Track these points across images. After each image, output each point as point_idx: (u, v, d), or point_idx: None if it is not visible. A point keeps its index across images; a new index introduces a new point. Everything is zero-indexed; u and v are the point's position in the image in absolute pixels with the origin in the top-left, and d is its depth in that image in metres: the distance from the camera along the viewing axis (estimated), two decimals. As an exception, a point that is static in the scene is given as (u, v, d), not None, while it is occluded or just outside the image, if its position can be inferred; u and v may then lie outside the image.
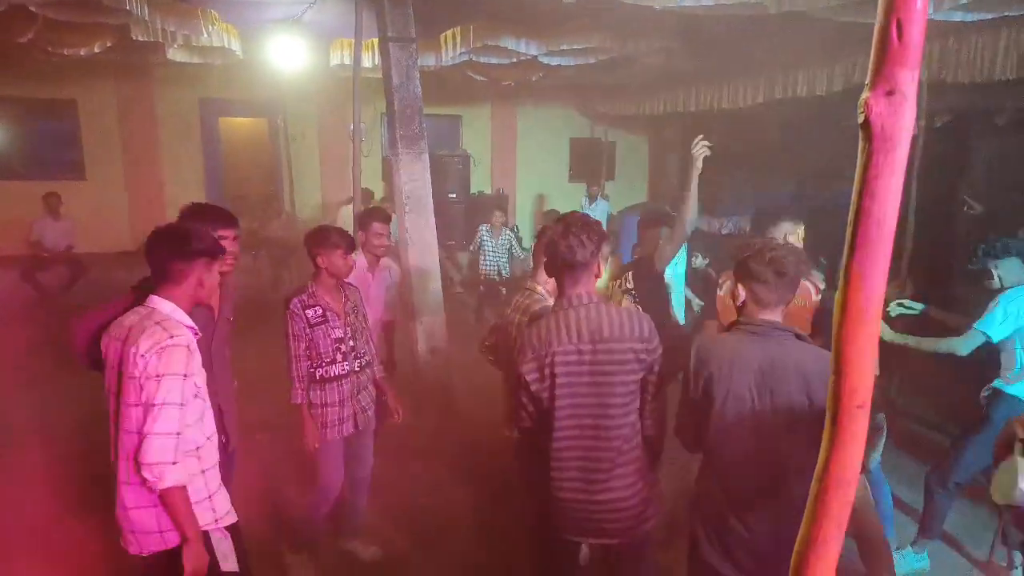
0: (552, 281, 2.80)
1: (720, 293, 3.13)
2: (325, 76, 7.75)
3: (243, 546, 2.22)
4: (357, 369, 3.07)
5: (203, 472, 2.09)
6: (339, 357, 2.99)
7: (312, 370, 2.96)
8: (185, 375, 1.95)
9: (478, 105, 10.79)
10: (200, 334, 2.14)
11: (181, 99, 9.23)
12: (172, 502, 1.95)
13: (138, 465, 1.91)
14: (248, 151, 10.79)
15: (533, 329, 2.13)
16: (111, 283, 8.03)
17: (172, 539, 2.02)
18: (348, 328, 3.03)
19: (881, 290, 0.73)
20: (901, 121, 0.68)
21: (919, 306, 3.51)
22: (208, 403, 2.16)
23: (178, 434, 1.94)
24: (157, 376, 1.91)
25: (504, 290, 7.40)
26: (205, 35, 5.70)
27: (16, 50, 6.46)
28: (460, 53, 6.59)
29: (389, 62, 4.55)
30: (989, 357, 3.27)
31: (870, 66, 0.69)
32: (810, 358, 1.94)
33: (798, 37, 6.03)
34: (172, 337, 1.95)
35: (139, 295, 2.20)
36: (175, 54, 6.56)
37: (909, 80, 0.67)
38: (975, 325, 3.15)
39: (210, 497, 2.09)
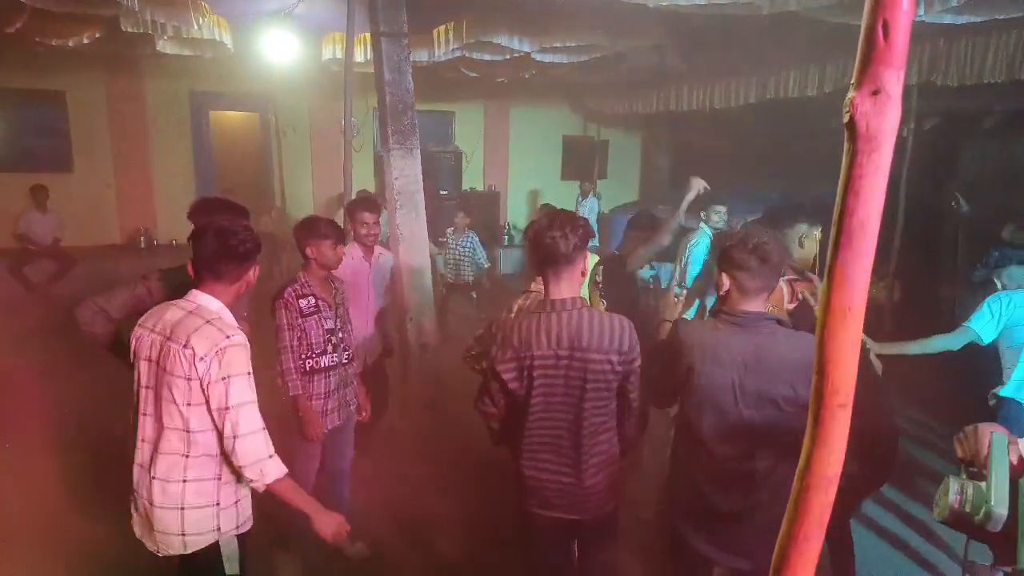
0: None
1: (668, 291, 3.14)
2: (317, 70, 7.71)
3: (245, 547, 2.19)
4: (345, 361, 3.09)
5: (237, 480, 2.03)
6: (329, 348, 3.00)
7: (301, 361, 2.94)
8: (248, 373, 1.94)
9: (471, 102, 10.76)
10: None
11: (171, 92, 9.15)
12: (281, 493, 1.97)
13: (233, 468, 1.93)
14: (239, 145, 10.71)
15: (514, 329, 2.12)
16: (99, 276, 8.01)
17: (192, 543, 2.00)
18: (338, 320, 3.05)
19: (864, 289, 0.74)
20: (886, 121, 0.68)
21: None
22: None
23: (263, 429, 1.94)
24: (224, 379, 1.88)
25: (475, 295, 7.22)
26: (196, 27, 5.65)
27: (4, 40, 6.38)
28: (453, 49, 6.57)
29: (381, 57, 4.53)
30: (988, 364, 3.29)
31: (856, 66, 0.69)
32: (794, 346, 1.95)
33: (790, 37, 6.06)
34: (229, 337, 1.92)
35: (173, 286, 2.16)
36: (165, 46, 6.51)
37: (894, 80, 0.67)
38: (966, 322, 3.19)
39: (236, 503, 2.05)
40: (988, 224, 5.46)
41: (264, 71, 7.64)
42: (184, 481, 1.95)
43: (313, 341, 2.94)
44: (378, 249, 3.93)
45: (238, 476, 2.01)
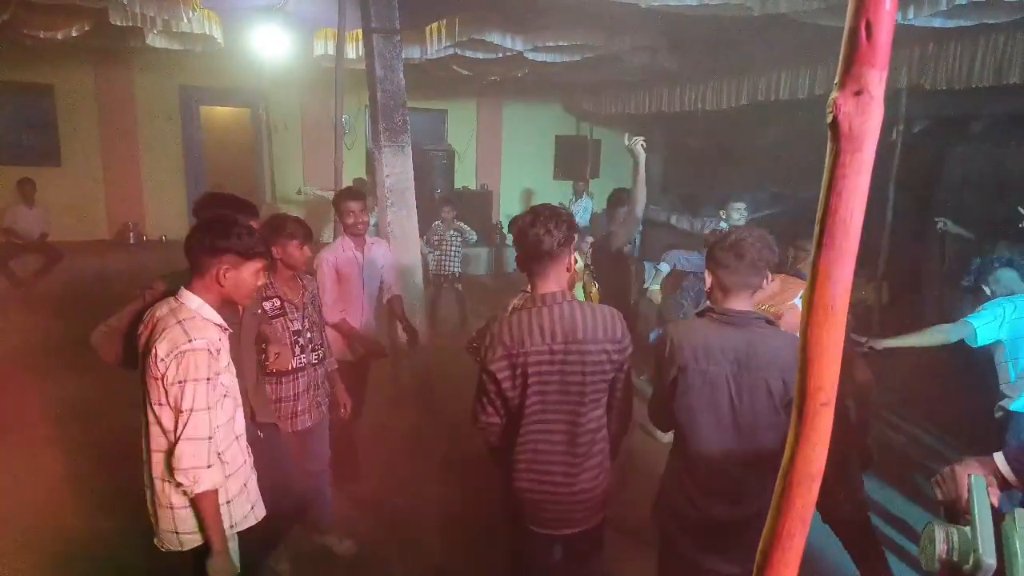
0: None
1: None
2: (308, 66, 7.67)
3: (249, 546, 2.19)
4: (315, 362, 3.04)
5: (225, 477, 2.02)
6: (297, 350, 2.94)
7: (267, 363, 2.89)
8: (208, 379, 1.89)
9: (464, 100, 10.75)
10: (230, 330, 2.07)
11: (161, 86, 9.08)
12: (203, 507, 1.93)
13: (171, 469, 1.88)
14: (229, 141, 10.65)
15: (505, 326, 2.06)
16: (86, 272, 7.95)
17: (188, 541, 2.00)
18: (306, 320, 2.99)
19: (847, 288, 0.74)
20: (869, 121, 0.69)
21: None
22: (239, 402, 2.11)
23: (209, 438, 1.90)
24: (180, 382, 1.86)
25: (459, 286, 7.16)
26: (185, 21, 5.62)
27: (-9, 32, 6.33)
28: (445, 46, 6.57)
29: (372, 53, 4.52)
30: (989, 370, 3.26)
31: (839, 66, 0.70)
32: (785, 343, 1.95)
33: (781, 40, 6.09)
34: (191, 341, 1.87)
35: (171, 285, 2.14)
36: (155, 40, 6.46)
37: (877, 80, 0.68)
38: (967, 317, 3.15)
39: (228, 503, 2.04)
40: (977, 228, 5.50)
41: (255, 66, 7.61)
42: (167, 481, 1.95)
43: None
44: (370, 239, 3.88)
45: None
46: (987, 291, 3.33)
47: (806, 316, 0.77)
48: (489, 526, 3.13)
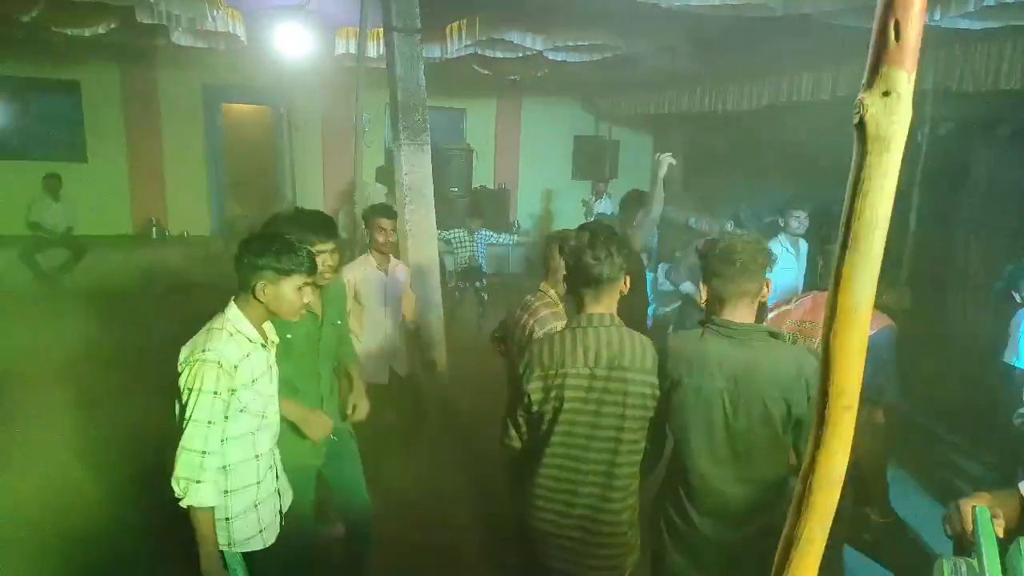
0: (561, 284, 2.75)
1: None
2: (330, 65, 7.72)
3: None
4: None
5: (225, 493, 2.02)
6: None
7: None
8: (215, 392, 1.89)
9: (483, 99, 10.76)
10: (266, 344, 2.09)
11: (184, 83, 9.19)
12: (194, 521, 1.91)
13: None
14: (250, 138, 10.77)
15: (544, 345, 1.97)
16: (111, 266, 8.08)
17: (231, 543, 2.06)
18: None
19: (871, 292, 0.74)
20: (896, 122, 0.68)
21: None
22: (269, 419, 2.09)
23: (204, 452, 1.88)
24: (188, 390, 1.89)
25: (482, 285, 7.19)
26: (210, 19, 5.68)
27: (20, 29, 6.43)
28: (465, 45, 6.58)
29: (393, 52, 4.54)
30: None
31: (867, 66, 0.69)
32: (788, 359, 1.87)
33: (804, 40, 6.02)
34: (205, 352, 1.90)
35: None
36: (180, 38, 6.53)
37: (905, 81, 0.67)
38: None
39: (227, 519, 2.03)
40: (1001, 232, 5.41)
41: (277, 65, 7.67)
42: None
43: None
44: (393, 260, 3.86)
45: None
46: (1017, 298, 3.27)
47: (829, 319, 0.76)
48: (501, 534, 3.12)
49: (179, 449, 1.88)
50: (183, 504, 1.89)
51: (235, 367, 1.94)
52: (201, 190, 9.68)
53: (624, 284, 2.04)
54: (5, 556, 3.14)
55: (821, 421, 0.79)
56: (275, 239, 2.06)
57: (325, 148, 10.04)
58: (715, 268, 1.93)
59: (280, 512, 2.23)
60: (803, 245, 4.85)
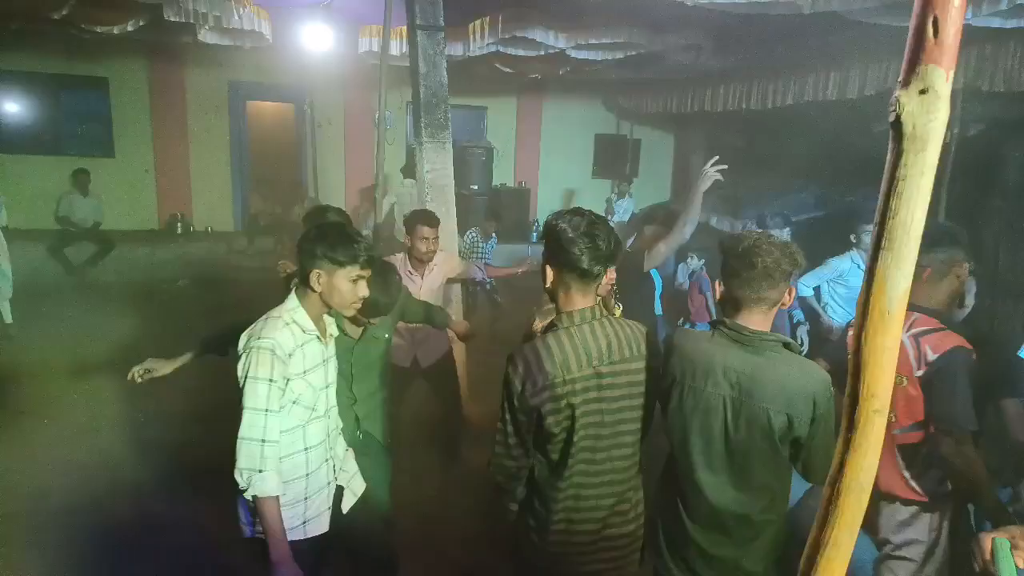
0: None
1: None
2: (353, 62, 7.78)
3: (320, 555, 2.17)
4: None
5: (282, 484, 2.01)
6: None
7: None
8: (271, 380, 1.88)
9: (504, 97, 10.77)
10: (321, 337, 2.09)
11: (211, 81, 9.32)
12: (260, 512, 1.90)
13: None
14: (274, 135, 10.89)
15: (542, 351, 1.76)
16: (137, 260, 8.22)
17: (247, 532, 2.06)
18: None
19: (906, 293, 0.72)
20: (934, 121, 0.67)
21: None
22: (321, 412, 2.09)
23: (263, 441, 1.87)
24: (245, 377, 1.89)
25: (496, 293, 7.13)
26: (236, 17, 5.76)
27: (50, 26, 6.56)
28: (488, 43, 6.59)
29: (416, 50, 4.56)
30: None
31: (904, 64, 0.68)
32: (797, 374, 1.74)
33: (831, 39, 5.94)
34: (260, 339, 1.90)
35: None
36: (206, 35, 6.63)
37: (943, 79, 0.66)
38: None
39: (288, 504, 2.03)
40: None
41: (301, 62, 7.74)
42: None
43: None
44: (432, 265, 3.70)
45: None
46: None
47: (860, 320, 0.75)
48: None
49: (238, 440, 1.87)
50: (247, 496, 1.89)
51: (289, 355, 1.93)
52: (225, 186, 9.80)
53: (610, 275, 1.93)
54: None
55: (851, 424, 0.78)
56: (332, 230, 2.06)
57: (348, 145, 10.12)
58: (734, 268, 1.78)
59: (335, 506, 2.22)
60: None
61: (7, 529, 3.29)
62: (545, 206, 11.36)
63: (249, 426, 1.87)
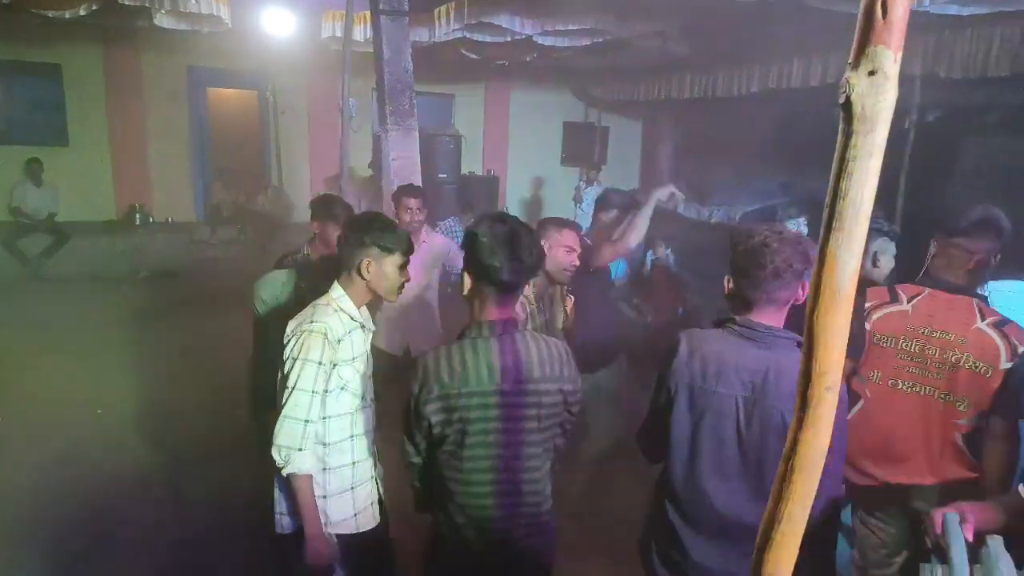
0: (539, 281, 2.52)
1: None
2: (316, 48, 7.64)
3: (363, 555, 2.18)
4: None
5: (324, 470, 2.04)
6: None
7: None
8: (320, 363, 1.93)
9: (471, 85, 10.69)
10: (368, 326, 2.13)
11: (168, 67, 9.06)
12: (295, 488, 1.95)
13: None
14: (236, 122, 10.64)
15: (442, 360, 1.70)
16: (94, 252, 7.99)
17: (286, 524, 2.06)
18: None
19: (856, 272, 0.73)
20: (882, 102, 0.67)
21: None
22: (365, 401, 2.12)
23: (306, 421, 1.92)
24: (294, 359, 1.93)
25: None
26: (193, 1, 5.60)
27: (-1, 10, 6.31)
28: (453, 29, 6.52)
29: (380, 35, 4.49)
30: None
31: (853, 45, 0.68)
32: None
33: (794, 26, 6.01)
34: (312, 323, 1.95)
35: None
36: (162, 19, 6.43)
37: (891, 60, 0.66)
38: None
39: (324, 497, 2.05)
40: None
41: (263, 48, 7.58)
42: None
43: None
44: (426, 234, 3.77)
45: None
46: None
47: (812, 300, 0.76)
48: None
49: (280, 419, 1.91)
50: (284, 472, 1.92)
51: (338, 341, 1.98)
52: (186, 175, 9.57)
53: (528, 287, 1.86)
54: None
55: (804, 403, 0.79)
56: (378, 218, 2.12)
57: (312, 133, 9.95)
58: (742, 266, 1.69)
59: (379, 502, 2.23)
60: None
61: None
62: (514, 194, 11.35)
63: (294, 405, 1.91)
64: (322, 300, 2.04)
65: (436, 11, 6.50)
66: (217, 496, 3.36)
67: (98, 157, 8.99)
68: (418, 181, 4.67)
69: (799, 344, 1.72)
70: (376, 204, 5.75)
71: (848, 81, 0.69)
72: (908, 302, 2.27)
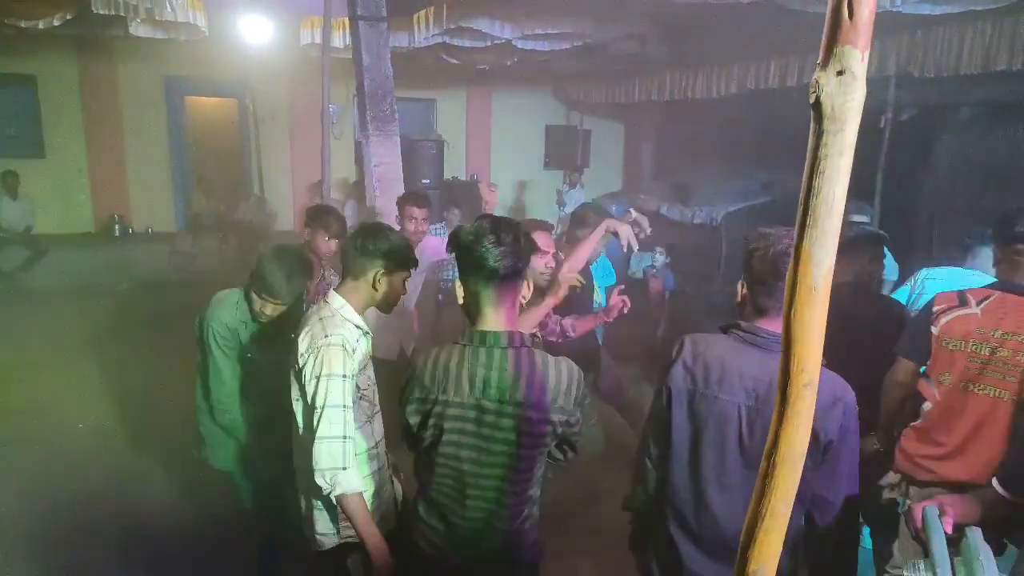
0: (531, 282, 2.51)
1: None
2: (295, 55, 7.60)
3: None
4: None
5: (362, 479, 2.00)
6: None
7: None
8: (344, 376, 1.88)
9: (453, 89, 10.69)
10: (370, 333, 2.10)
11: (145, 76, 8.97)
12: (348, 511, 1.88)
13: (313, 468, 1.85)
14: (215, 131, 10.55)
15: (428, 362, 1.65)
16: (72, 265, 7.87)
17: (327, 542, 2.03)
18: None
19: (830, 269, 0.74)
20: (850, 101, 0.69)
21: None
22: (377, 406, 2.11)
23: (344, 438, 1.86)
24: (317, 377, 1.87)
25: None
26: (169, 9, 5.55)
27: (-30, 21, 6.22)
28: (433, 34, 6.53)
29: (359, 41, 4.48)
30: None
31: (822, 46, 0.70)
32: (826, 381, 1.54)
33: (771, 27, 6.09)
34: (327, 336, 1.89)
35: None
36: (138, 28, 6.37)
37: (858, 60, 0.68)
38: None
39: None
40: (964, 214, 5.54)
41: (241, 56, 7.53)
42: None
43: None
44: (425, 239, 3.74)
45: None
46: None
47: (789, 297, 0.77)
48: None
49: (317, 441, 1.83)
50: (333, 496, 1.85)
51: (354, 350, 1.95)
52: (165, 185, 9.47)
53: (527, 287, 1.71)
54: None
55: (783, 398, 0.80)
56: (387, 231, 2.10)
57: (293, 140, 9.90)
58: (759, 274, 1.63)
59: (397, 501, 2.23)
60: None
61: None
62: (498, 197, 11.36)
63: (329, 424, 1.84)
64: (324, 312, 1.99)
65: (415, 16, 6.50)
66: (205, 507, 3.32)
67: (75, 168, 8.88)
68: (400, 187, 4.66)
69: None
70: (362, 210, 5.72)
71: (817, 81, 0.70)
72: (977, 305, 2.29)
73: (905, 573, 1.27)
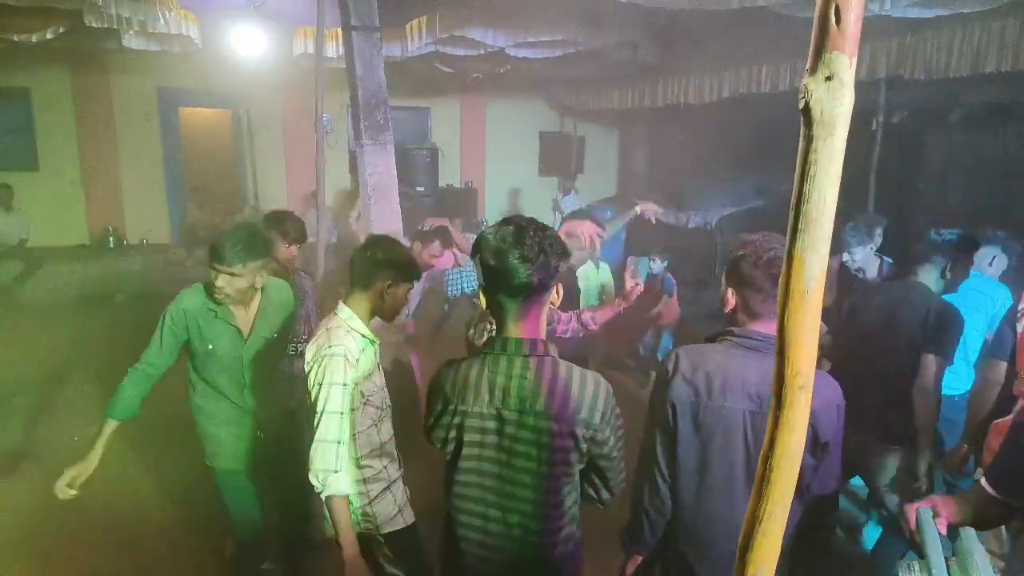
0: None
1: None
2: (289, 65, 7.61)
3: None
4: (291, 354, 3.14)
5: (364, 481, 2.14)
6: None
7: None
8: (344, 384, 2.00)
9: (447, 98, 10.72)
10: (378, 340, 2.20)
11: (139, 88, 8.97)
12: (332, 510, 2.01)
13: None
14: (210, 142, 10.55)
15: (450, 372, 1.62)
16: (67, 277, 7.85)
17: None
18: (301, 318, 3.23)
19: (822, 273, 0.75)
20: (839, 107, 0.69)
21: None
22: (386, 410, 2.22)
23: (338, 442, 1.98)
24: (319, 385, 2.00)
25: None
26: (162, 21, 5.55)
27: (-38, 35, 6.21)
28: (426, 43, 6.54)
29: (352, 51, 4.49)
30: None
31: (810, 52, 0.70)
32: (821, 385, 1.55)
33: (761, 32, 6.12)
34: (331, 347, 2.01)
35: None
36: (131, 41, 6.37)
37: (847, 66, 0.69)
38: None
39: (370, 503, 2.17)
40: (957, 216, 5.57)
41: (234, 67, 7.53)
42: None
43: None
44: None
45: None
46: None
47: (782, 301, 0.77)
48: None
49: (314, 444, 1.97)
50: (323, 496, 1.98)
51: (356, 360, 2.05)
52: (160, 197, 9.46)
53: (556, 294, 1.62)
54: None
55: (778, 402, 0.80)
56: (400, 246, 2.26)
57: (287, 150, 9.89)
58: (751, 278, 1.63)
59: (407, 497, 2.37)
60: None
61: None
62: (493, 206, 11.37)
63: (326, 429, 1.98)
64: (332, 323, 2.09)
65: (408, 25, 6.52)
66: (207, 517, 3.30)
67: (69, 180, 8.85)
68: (395, 196, 4.66)
69: None
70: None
71: (806, 87, 0.71)
72: None
73: (900, 574, 1.27)
